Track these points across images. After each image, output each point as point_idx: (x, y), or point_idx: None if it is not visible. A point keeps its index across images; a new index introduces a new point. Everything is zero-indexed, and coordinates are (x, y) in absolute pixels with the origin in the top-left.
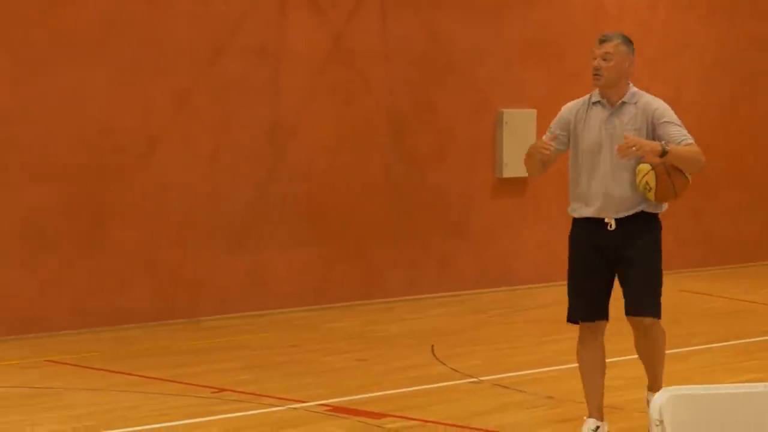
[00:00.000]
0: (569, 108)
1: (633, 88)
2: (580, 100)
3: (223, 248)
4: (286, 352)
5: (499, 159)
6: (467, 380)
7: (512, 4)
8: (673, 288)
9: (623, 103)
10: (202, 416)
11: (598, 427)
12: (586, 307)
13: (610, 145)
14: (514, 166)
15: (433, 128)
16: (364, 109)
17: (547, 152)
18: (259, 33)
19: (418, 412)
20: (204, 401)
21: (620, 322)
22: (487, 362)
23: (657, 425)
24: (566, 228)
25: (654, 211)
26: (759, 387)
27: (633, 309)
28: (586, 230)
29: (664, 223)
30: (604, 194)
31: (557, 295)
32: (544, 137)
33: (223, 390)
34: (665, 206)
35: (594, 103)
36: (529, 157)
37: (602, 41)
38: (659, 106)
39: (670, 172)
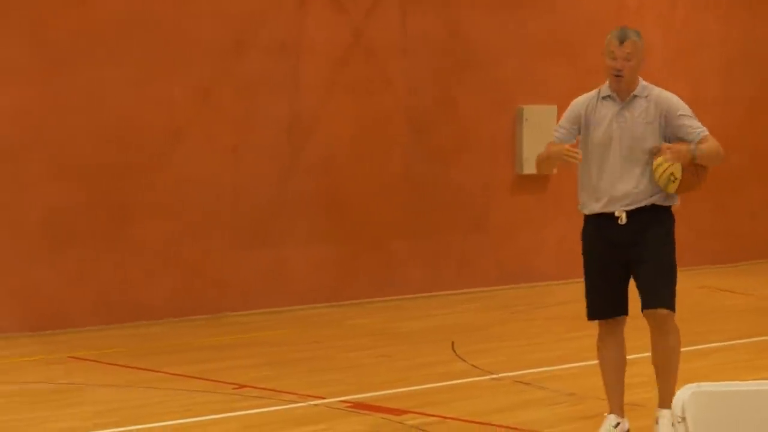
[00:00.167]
0: (580, 102)
1: (643, 82)
2: (590, 94)
3: (244, 244)
4: (307, 348)
5: (519, 155)
6: (488, 377)
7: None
8: (694, 284)
9: (634, 96)
10: (223, 412)
11: (618, 424)
12: (602, 305)
13: (620, 138)
14: (534, 163)
15: (453, 124)
16: (383, 105)
17: (578, 161)
18: (279, 29)
19: (439, 409)
20: (225, 398)
21: (640, 318)
22: (507, 359)
23: (679, 422)
24: None
25: (665, 204)
26: None
27: (647, 302)
28: (598, 227)
29: (686, 220)
30: (614, 187)
31: (577, 291)
32: (555, 135)
33: (244, 386)
34: (677, 200)
35: (604, 98)
36: (548, 159)
37: (622, 41)
38: (673, 99)
39: (696, 164)
